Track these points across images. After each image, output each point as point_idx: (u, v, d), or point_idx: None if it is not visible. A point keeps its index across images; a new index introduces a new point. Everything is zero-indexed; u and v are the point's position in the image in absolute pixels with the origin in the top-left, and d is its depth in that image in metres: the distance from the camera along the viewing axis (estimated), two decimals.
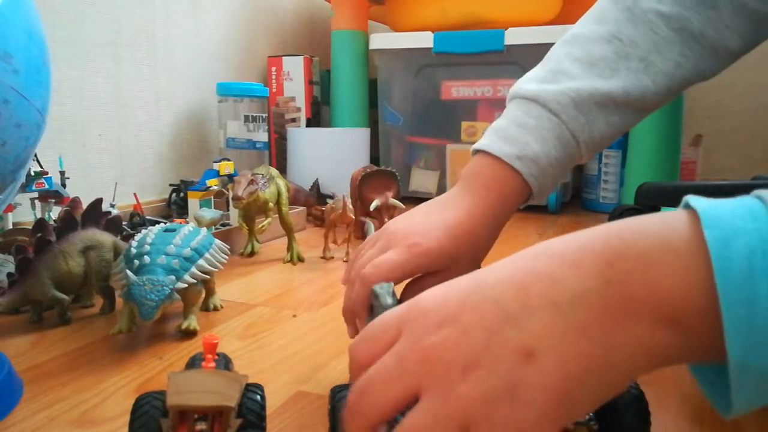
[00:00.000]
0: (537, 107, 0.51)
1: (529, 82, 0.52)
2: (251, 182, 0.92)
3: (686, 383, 0.56)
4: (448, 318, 0.27)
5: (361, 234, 1.21)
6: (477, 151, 0.52)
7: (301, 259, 1.01)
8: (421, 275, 0.49)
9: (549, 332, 0.25)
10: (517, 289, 0.26)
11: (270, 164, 1.68)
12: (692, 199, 0.25)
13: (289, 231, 1.02)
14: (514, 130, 0.50)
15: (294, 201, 1.37)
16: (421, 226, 0.48)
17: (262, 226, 0.94)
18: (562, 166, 0.51)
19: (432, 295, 0.29)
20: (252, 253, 1.05)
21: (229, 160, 1.21)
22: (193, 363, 0.43)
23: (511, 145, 0.50)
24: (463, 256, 0.48)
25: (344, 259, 1.01)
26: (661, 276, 0.24)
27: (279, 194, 1.00)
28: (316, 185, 1.47)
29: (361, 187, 1.16)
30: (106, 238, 0.72)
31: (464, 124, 1.59)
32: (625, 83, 0.50)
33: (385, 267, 0.45)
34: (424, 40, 1.57)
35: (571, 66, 0.51)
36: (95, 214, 0.72)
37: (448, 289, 0.29)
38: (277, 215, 1.01)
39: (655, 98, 0.52)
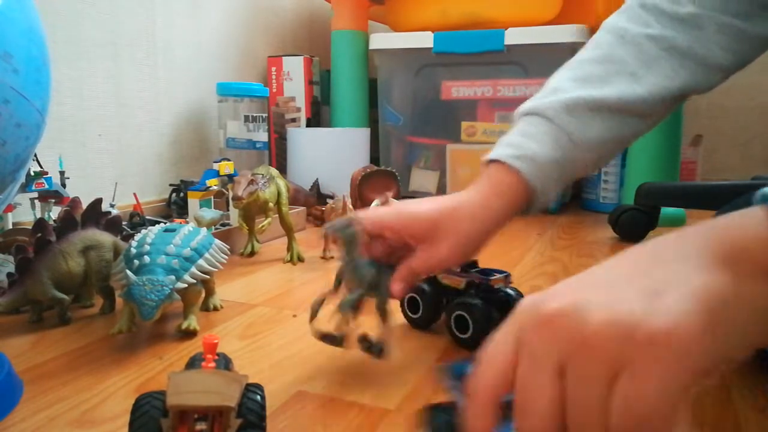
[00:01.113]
0: (535, 117, 0.56)
1: (528, 102, 0.58)
2: (251, 182, 0.92)
3: None
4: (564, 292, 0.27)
5: None
6: (486, 164, 0.57)
7: (301, 259, 1.01)
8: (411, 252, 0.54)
9: (677, 274, 0.26)
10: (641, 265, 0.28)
11: (270, 164, 1.68)
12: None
13: (289, 231, 1.02)
14: (515, 138, 0.56)
15: (294, 201, 1.37)
16: (418, 202, 0.55)
17: (262, 226, 0.94)
18: (562, 167, 0.55)
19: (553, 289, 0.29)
20: (252, 253, 1.05)
21: (229, 160, 1.21)
22: (193, 363, 0.43)
23: (511, 148, 0.55)
24: (445, 230, 0.52)
25: None
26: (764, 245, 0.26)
27: (279, 194, 1.00)
28: (316, 185, 1.47)
29: (361, 187, 1.16)
30: (106, 238, 0.72)
31: (464, 124, 1.59)
32: (618, 91, 0.55)
33: (374, 213, 0.55)
34: (424, 40, 1.57)
35: (566, 84, 0.56)
36: (95, 214, 0.72)
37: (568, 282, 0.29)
38: (277, 215, 1.01)
39: (652, 106, 0.56)
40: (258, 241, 1.07)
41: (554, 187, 0.55)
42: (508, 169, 0.54)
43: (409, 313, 0.69)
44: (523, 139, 0.55)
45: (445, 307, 0.66)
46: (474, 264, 0.68)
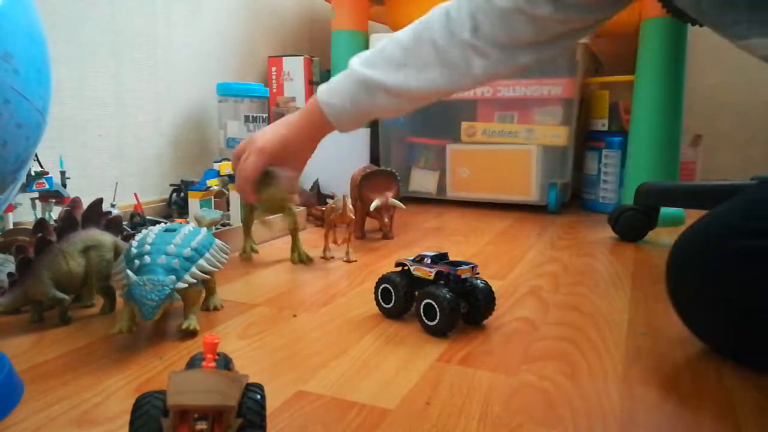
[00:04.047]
0: (349, 75, 0.75)
1: (357, 59, 0.76)
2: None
3: (686, 384, 0.56)
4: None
5: (361, 234, 1.21)
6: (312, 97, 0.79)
7: (309, 259, 1.00)
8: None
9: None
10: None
11: None
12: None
13: (293, 231, 1.01)
14: (332, 85, 0.77)
15: None
16: (267, 139, 0.77)
17: (286, 221, 0.97)
18: (352, 115, 0.76)
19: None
20: (250, 254, 1.04)
21: (229, 160, 1.21)
22: (194, 363, 0.43)
23: (325, 94, 0.76)
24: (289, 155, 0.78)
25: (344, 259, 1.01)
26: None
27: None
28: (316, 185, 1.48)
29: (361, 187, 1.16)
30: (106, 238, 0.72)
31: (464, 124, 1.59)
32: (400, 80, 0.73)
33: (248, 167, 0.75)
34: None
35: (376, 58, 0.75)
36: (96, 214, 0.72)
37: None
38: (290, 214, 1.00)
39: (418, 96, 0.74)
40: (255, 243, 1.07)
41: (346, 126, 0.78)
42: (320, 109, 0.76)
43: (383, 303, 0.73)
44: (334, 90, 0.76)
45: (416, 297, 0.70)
46: (444, 256, 0.73)
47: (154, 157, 1.40)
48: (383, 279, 0.72)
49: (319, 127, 0.78)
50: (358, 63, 0.76)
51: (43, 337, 0.65)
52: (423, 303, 0.67)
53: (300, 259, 1.00)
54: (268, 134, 0.77)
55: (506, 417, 0.49)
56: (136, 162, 1.34)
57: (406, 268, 0.73)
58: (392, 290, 0.71)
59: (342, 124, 0.77)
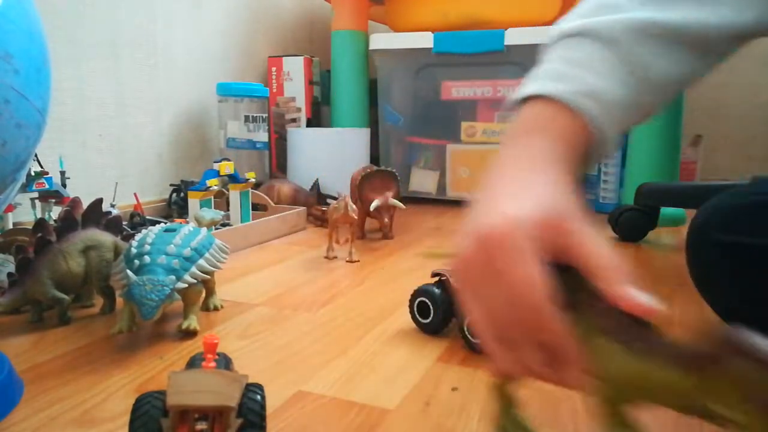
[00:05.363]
0: (588, 41, 0.41)
1: (571, 21, 0.43)
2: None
3: None
4: None
5: (361, 233, 1.21)
6: (517, 104, 0.41)
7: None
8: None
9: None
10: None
11: (270, 164, 1.68)
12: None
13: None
14: (563, 68, 0.40)
15: (294, 201, 1.37)
16: (503, 208, 0.34)
17: None
18: (627, 106, 0.40)
19: None
20: None
21: (229, 160, 1.21)
22: (194, 363, 0.43)
23: (564, 82, 0.39)
24: (565, 218, 0.34)
25: (347, 259, 1.01)
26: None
27: None
28: (316, 185, 1.48)
29: (361, 187, 1.16)
30: (106, 238, 0.72)
31: (464, 124, 1.59)
32: (683, 15, 0.41)
33: (512, 272, 0.33)
34: (424, 40, 1.57)
35: (622, 1, 0.42)
36: (95, 214, 0.72)
37: None
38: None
39: (719, 38, 0.43)
40: None
41: (616, 136, 0.41)
42: (567, 110, 0.38)
43: (420, 319, 0.67)
44: (575, 69, 0.40)
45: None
46: None
47: (154, 157, 1.40)
48: (420, 292, 0.67)
49: (565, 151, 0.37)
50: (586, 14, 0.42)
51: (43, 337, 0.65)
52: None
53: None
54: (499, 204, 0.34)
55: None
56: (136, 162, 1.34)
57: (444, 278, 0.67)
58: (430, 304, 0.66)
59: (610, 137, 0.40)
